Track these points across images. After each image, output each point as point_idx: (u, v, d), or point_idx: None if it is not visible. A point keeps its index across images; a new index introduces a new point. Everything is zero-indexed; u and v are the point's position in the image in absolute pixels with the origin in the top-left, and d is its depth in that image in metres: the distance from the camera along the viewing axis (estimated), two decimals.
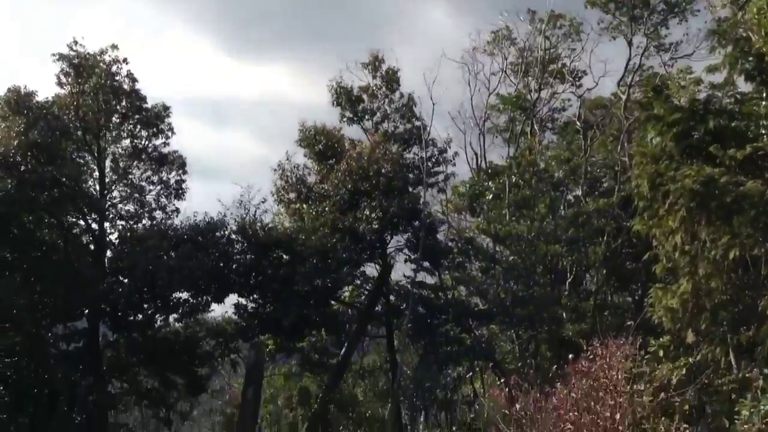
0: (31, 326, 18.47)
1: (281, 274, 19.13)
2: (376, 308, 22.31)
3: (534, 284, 20.17)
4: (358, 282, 21.45)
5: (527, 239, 19.67)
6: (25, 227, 18.26)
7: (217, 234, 18.79)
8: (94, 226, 19.56)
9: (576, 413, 10.22)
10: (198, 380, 21.46)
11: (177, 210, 19.97)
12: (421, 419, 23.32)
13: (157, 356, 20.67)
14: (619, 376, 10.75)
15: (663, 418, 10.99)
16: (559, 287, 20.47)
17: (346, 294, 23.78)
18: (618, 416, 9.89)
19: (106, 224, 19.56)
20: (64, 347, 19.68)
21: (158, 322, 20.49)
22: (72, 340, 19.58)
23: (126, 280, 17.54)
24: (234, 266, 19.73)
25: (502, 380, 21.56)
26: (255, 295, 20.42)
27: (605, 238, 18.61)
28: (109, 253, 19.17)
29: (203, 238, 18.11)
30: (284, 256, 19.86)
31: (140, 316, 18.52)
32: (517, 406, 10.61)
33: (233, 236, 19.77)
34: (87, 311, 18.60)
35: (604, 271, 18.76)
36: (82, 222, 19.58)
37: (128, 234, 18.99)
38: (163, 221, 19.17)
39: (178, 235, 18.04)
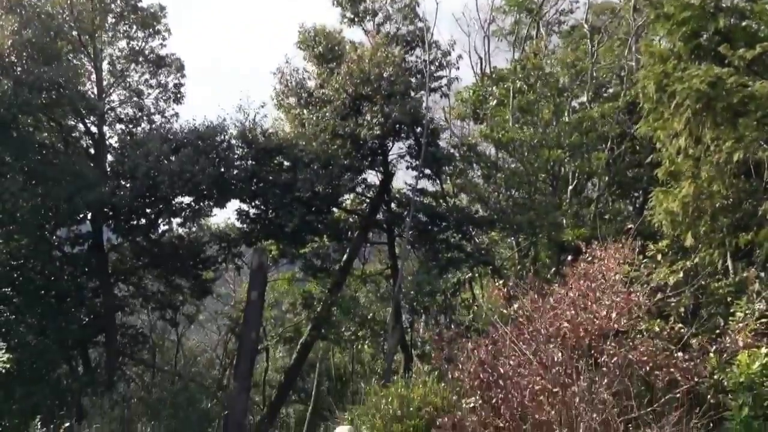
0: (35, 229, 18.68)
1: (282, 180, 19.12)
2: (378, 215, 22.44)
3: (535, 191, 20.13)
4: (360, 189, 21.43)
5: (530, 145, 19.47)
6: (24, 130, 18.14)
7: (218, 139, 18.63)
8: (94, 129, 19.44)
9: (573, 312, 10.35)
10: (203, 284, 21.85)
11: (176, 114, 19.85)
12: (422, 321, 23.90)
13: (161, 260, 21.02)
14: (617, 278, 10.86)
15: (658, 320, 11.19)
16: (560, 194, 20.43)
17: (348, 201, 23.90)
18: (614, 315, 10.02)
19: (105, 128, 19.43)
20: (69, 250, 19.95)
21: (161, 227, 20.78)
22: (77, 243, 19.80)
23: (128, 184, 17.49)
24: (235, 172, 19.67)
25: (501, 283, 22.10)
26: (257, 201, 20.52)
27: (609, 144, 18.42)
28: (110, 157, 19.12)
29: (203, 142, 17.96)
30: (285, 162, 19.79)
31: (143, 220, 18.59)
32: (515, 305, 10.74)
33: (233, 141, 19.64)
34: (90, 215, 18.68)
35: (606, 178, 18.66)
36: (81, 125, 19.45)
37: (128, 138, 18.89)
38: (163, 125, 18.98)
39: (179, 140, 17.89)
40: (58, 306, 19.07)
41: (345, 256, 22.10)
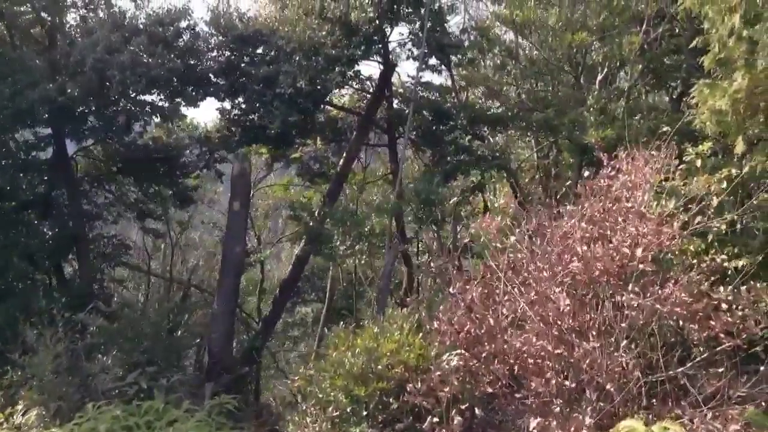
0: None
1: (261, 74, 16.50)
2: (378, 114, 19.84)
3: (558, 83, 17.27)
4: (354, 84, 18.72)
5: (551, 28, 16.46)
6: None
7: (181, 25, 15.91)
8: (45, 15, 16.81)
9: (585, 245, 7.97)
10: (183, 191, 19.78)
11: None
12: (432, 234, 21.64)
13: (135, 165, 18.93)
14: (645, 197, 8.38)
15: (693, 237, 8.77)
16: (588, 86, 17.55)
17: (346, 98, 21.28)
18: (639, 251, 7.61)
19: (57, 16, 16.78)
20: (27, 156, 17.82)
21: (134, 129, 18.52)
22: (36, 148, 17.65)
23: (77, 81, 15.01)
24: (209, 64, 17.10)
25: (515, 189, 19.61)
26: (239, 99, 18.03)
27: (644, 26, 15.32)
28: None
29: (163, 29, 15.27)
30: (266, 53, 17.10)
31: (99, 121, 16.21)
32: (512, 238, 8.36)
33: (206, 29, 16.95)
34: (47, 115, 16.39)
35: (640, 66, 15.68)
36: (31, 10, 16.78)
37: (78, 26, 16.27)
38: (121, 11, 16.23)
39: (132, 27, 15.22)
40: (17, 217, 17.19)
41: (342, 160, 19.72)
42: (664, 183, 8.73)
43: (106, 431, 9.38)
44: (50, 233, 17.76)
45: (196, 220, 25.32)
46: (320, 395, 8.32)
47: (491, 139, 20.52)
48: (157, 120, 17.32)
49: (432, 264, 10.06)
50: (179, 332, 14.76)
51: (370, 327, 8.79)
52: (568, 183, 13.03)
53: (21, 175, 17.35)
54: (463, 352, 8.10)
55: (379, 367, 8.21)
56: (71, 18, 16.89)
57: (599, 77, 16.89)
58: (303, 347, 29.66)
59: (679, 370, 7.54)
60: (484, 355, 7.91)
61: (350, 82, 18.30)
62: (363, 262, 18.67)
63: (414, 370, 8.13)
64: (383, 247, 19.32)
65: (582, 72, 17.24)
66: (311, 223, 17.69)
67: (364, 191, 21.22)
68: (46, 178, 17.72)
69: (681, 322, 7.51)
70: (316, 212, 18.37)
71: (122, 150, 19.00)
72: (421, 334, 8.48)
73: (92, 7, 16.78)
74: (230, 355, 17.77)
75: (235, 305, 18.44)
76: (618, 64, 17.00)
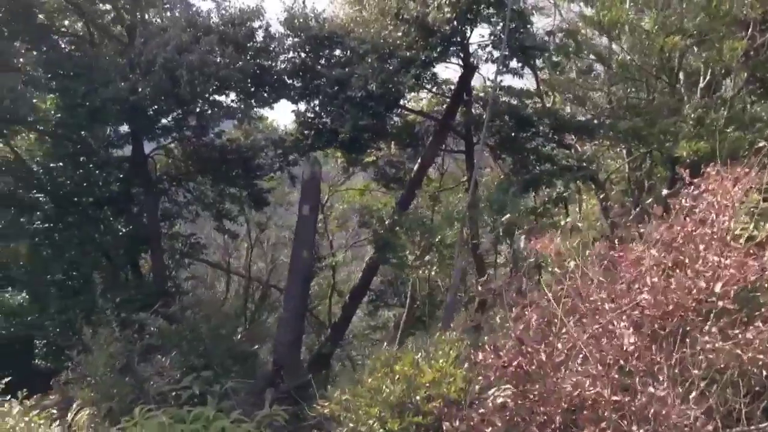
0: (71, 131, 16.92)
1: (334, 76, 16.03)
2: (456, 119, 19.01)
3: (651, 90, 15.92)
4: (429, 87, 17.97)
5: (645, 31, 15.15)
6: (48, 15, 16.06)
7: (254, 25, 15.66)
8: (126, 14, 16.98)
9: (657, 276, 6.95)
10: (258, 193, 19.63)
11: None
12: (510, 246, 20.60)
13: (211, 165, 18.94)
14: (730, 223, 7.25)
15: None
16: (686, 94, 16.12)
17: (424, 101, 20.58)
18: (719, 286, 6.53)
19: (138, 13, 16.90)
20: (106, 153, 18.12)
21: (212, 130, 18.56)
22: (114, 145, 17.90)
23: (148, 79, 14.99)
24: (283, 65, 16.83)
25: (603, 201, 18.30)
26: (315, 102, 17.68)
27: (749, 31, 13.83)
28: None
29: (234, 29, 15.05)
30: (340, 55, 16.64)
31: (170, 120, 16.20)
32: (572, 263, 7.42)
33: (281, 29, 16.66)
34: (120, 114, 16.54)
35: (745, 74, 14.16)
36: (111, 8, 16.96)
37: (154, 25, 16.31)
38: (195, 10, 16.16)
39: (205, 26, 15.07)
40: (93, 214, 17.47)
41: (416, 166, 19.02)
42: (756, 206, 7.57)
43: None
44: (125, 230, 17.93)
45: (276, 220, 25.28)
46: (352, 424, 7.67)
47: (578, 148, 19.30)
48: (229, 121, 17.13)
49: (489, 284, 9.19)
50: (239, 336, 14.44)
51: (411, 352, 8.05)
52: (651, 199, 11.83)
53: (98, 172, 17.64)
54: (510, 388, 7.23)
55: (417, 398, 7.46)
56: (151, 16, 16.93)
57: (701, 84, 15.47)
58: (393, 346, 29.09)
59: (765, 425, 6.43)
60: (534, 394, 7.03)
61: (426, 85, 17.57)
62: (434, 273, 17.88)
63: (454, 405, 7.33)
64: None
65: (678, 78, 15.83)
66: (380, 231, 17.07)
67: (440, 199, 20.43)
68: (122, 176, 17.90)
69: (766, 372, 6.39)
70: (387, 220, 17.75)
71: (200, 150, 19.08)
72: (466, 365, 7.65)
73: (170, 5, 16.78)
74: (296, 361, 17.41)
75: (302, 310, 18.09)
76: (722, 71, 15.51)
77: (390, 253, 17.48)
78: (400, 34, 16.31)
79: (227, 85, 15.17)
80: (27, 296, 17.34)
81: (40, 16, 16.09)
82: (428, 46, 16.25)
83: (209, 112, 16.21)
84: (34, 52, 16.44)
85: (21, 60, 16.35)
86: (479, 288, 9.32)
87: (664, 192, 8.33)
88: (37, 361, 18.53)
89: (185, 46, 14.26)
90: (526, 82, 18.05)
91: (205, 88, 14.52)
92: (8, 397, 11.87)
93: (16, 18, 15.52)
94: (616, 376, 6.70)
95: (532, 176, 17.25)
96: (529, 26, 16.82)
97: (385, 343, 10.06)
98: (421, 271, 17.41)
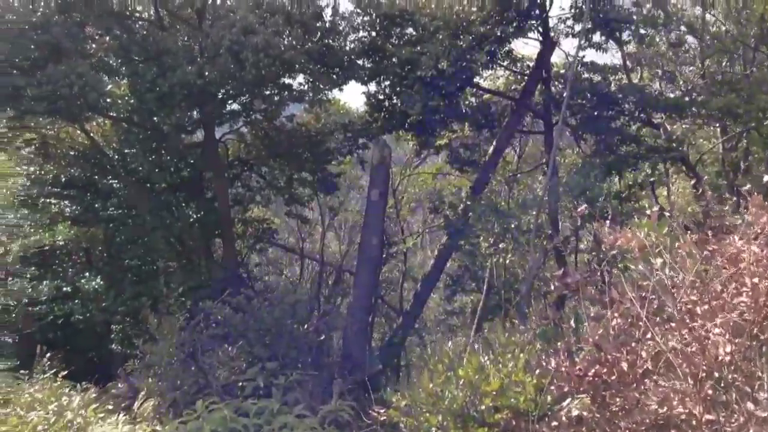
0: (142, 117, 16.91)
1: (404, 56, 15.35)
2: (535, 98, 18.00)
3: (748, 63, 14.51)
4: (504, 63, 17.01)
5: None
6: None
7: (321, 3, 15.13)
8: None
9: (759, 274, 6.04)
10: (328, 177, 19.21)
11: None
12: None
13: (281, 149, 18.65)
14: None
15: None
16: None
17: (501, 79, 19.63)
18: None
19: None
20: (177, 138, 18.03)
21: (282, 112, 18.26)
22: (184, 130, 17.79)
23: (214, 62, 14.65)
24: (352, 46, 16.26)
25: (695, 185, 16.96)
26: (385, 83, 17.07)
27: None
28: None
29: (299, 8, 14.54)
30: (409, 32, 15.93)
31: (237, 104, 15.90)
32: (658, 260, 6.55)
33: (350, 7, 16.10)
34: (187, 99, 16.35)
35: None
36: None
37: (221, 7, 15.96)
38: None
39: (271, 5, 14.60)
40: (165, 199, 17.47)
41: (491, 148, 18.15)
42: None
43: None
44: (196, 216, 17.87)
45: (348, 204, 24.93)
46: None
47: (667, 127, 17.96)
48: (297, 104, 16.73)
49: (566, 277, 8.38)
50: (304, 326, 14.07)
51: (477, 353, 7.37)
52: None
53: (169, 157, 17.61)
54: (587, 400, 6.47)
55: (483, 407, 6.80)
56: None
57: None
58: (461, 337, 28.56)
59: None
60: (613, 408, 6.26)
61: (501, 62, 16.65)
62: (508, 261, 17.06)
63: (523, 417, 6.63)
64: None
65: None
66: (452, 217, 16.34)
67: (516, 183, 19.48)
68: (192, 161, 17.82)
69: None
70: (460, 205, 17.00)
71: (270, 134, 18.82)
72: (538, 371, 6.92)
73: None
74: (364, 352, 17.00)
75: (371, 299, 17.66)
76: None
77: (462, 239, 16.76)
78: (474, 9, 15.45)
79: (291, 67, 14.69)
80: (102, 282, 17.51)
81: (114, 1, 15.97)
82: (504, 20, 15.37)
83: (276, 96, 15.78)
84: (107, 38, 16.40)
85: (93, 46, 16.35)
86: (555, 283, 8.49)
87: (765, 178, 7.29)
88: (114, 345, 18.80)
89: (251, 28, 13.84)
90: (611, 56, 16.87)
91: (271, 70, 14.07)
92: (75, 385, 11.98)
93: (89, 3, 15.47)
94: (710, 391, 5.86)
95: (616, 158, 16.14)
96: None
97: (450, 344, 9.35)
98: (495, 259, 16.64)
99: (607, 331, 6.65)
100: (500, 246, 16.04)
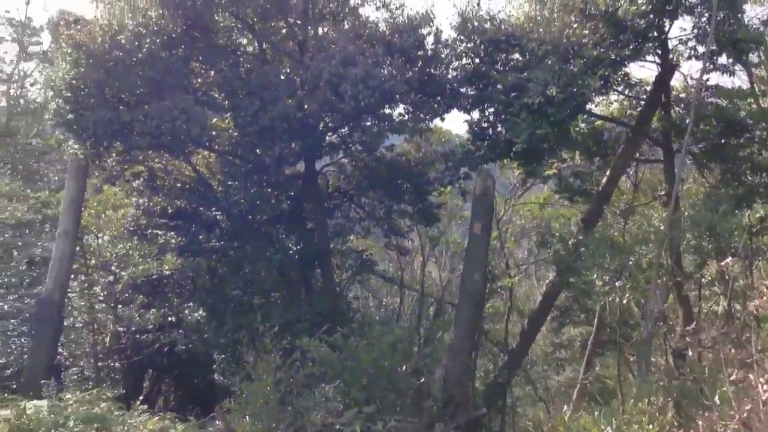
0: (245, 150, 16.95)
1: (509, 82, 14.58)
2: (653, 124, 16.76)
3: None
4: (619, 88, 15.90)
5: None
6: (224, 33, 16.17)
7: (422, 32, 14.60)
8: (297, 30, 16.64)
9: None
10: (429, 208, 18.61)
11: (384, 5, 15.96)
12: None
13: (381, 180, 18.23)
14: None
15: None
16: None
17: (614, 105, 18.47)
18: None
19: (309, 27, 16.44)
20: (278, 171, 17.95)
21: (382, 144, 17.85)
22: (286, 162, 17.67)
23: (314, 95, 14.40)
24: (455, 74, 15.66)
25: None
26: (489, 111, 16.33)
27: None
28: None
29: (400, 38, 14.09)
30: (515, 57, 15.15)
31: (336, 136, 15.59)
32: None
33: (452, 34, 15.49)
34: (288, 132, 16.22)
35: None
36: (284, 24, 16.66)
37: (323, 38, 15.73)
38: (363, 20, 15.39)
39: (371, 36, 14.23)
40: (265, 231, 17.37)
41: (605, 178, 17.00)
42: None
43: None
44: (296, 248, 17.67)
45: (449, 236, 24.19)
46: None
47: None
48: (397, 135, 16.26)
49: (698, 334, 7.35)
50: (404, 367, 13.40)
51: (596, 423, 6.45)
52: None
53: (270, 189, 17.53)
54: None
55: None
56: (324, 30, 16.41)
57: None
58: (569, 372, 27.09)
59: None
60: None
61: (616, 87, 15.57)
62: (625, 300, 15.77)
63: None
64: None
65: None
66: (562, 252, 15.30)
67: (632, 215, 18.13)
68: (293, 193, 17.67)
69: None
70: (571, 239, 15.92)
71: (370, 165, 18.46)
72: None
73: (340, 17, 16.17)
74: (467, 393, 16.13)
75: (473, 337, 16.77)
76: None
77: (573, 276, 15.67)
78: (586, 32, 14.53)
79: (393, 97, 14.23)
80: (204, 312, 17.55)
81: (219, 36, 16.14)
82: (619, 43, 14.34)
83: (375, 127, 15.34)
84: (212, 72, 16.59)
85: (198, 80, 16.56)
86: (686, 339, 7.45)
87: None
88: (216, 376, 18.80)
89: (350, 59, 13.50)
90: (738, 80, 15.42)
91: (370, 102, 13.66)
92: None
93: (195, 39, 15.68)
94: None
95: (745, 189, 14.67)
96: (740, 15, 14.36)
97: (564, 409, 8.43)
98: (610, 298, 15.45)
99: (758, 405, 5.62)
100: (617, 284, 14.82)
